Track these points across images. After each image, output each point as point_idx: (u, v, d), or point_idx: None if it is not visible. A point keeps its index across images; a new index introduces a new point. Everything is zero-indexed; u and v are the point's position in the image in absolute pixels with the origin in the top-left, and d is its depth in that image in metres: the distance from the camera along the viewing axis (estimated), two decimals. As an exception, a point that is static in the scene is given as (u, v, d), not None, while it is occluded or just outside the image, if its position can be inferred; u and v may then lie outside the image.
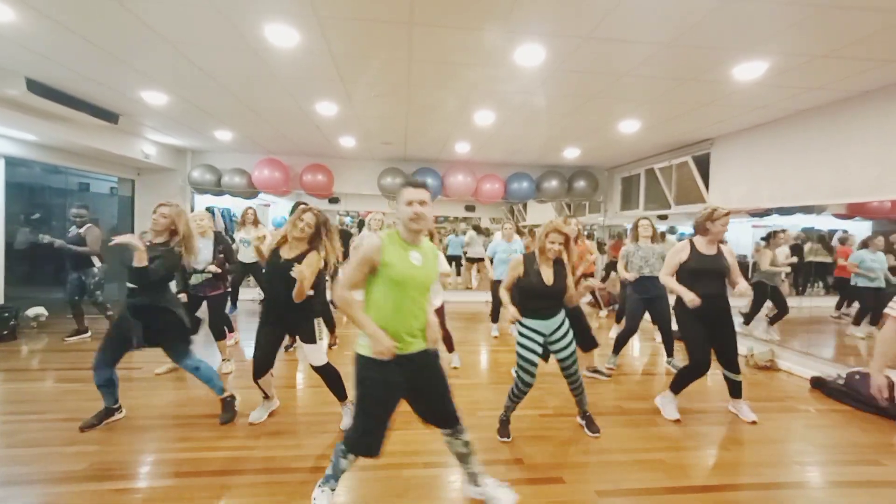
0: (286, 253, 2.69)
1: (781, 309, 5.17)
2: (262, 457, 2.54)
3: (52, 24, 2.88)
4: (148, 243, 2.80)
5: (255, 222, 5.45)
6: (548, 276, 2.68)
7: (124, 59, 3.45)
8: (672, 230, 9.62)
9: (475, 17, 2.69)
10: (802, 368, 4.28)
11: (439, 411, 2.02)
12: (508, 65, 3.37)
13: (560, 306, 2.78)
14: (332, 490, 2.01)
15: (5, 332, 4.72)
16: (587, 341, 3.74)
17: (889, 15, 2.49)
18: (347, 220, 11.88)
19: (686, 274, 3.03)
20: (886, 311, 1.80)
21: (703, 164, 5.70)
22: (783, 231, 5.40)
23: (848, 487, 2.40)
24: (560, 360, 2.77)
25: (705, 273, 2.99)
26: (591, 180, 7.47)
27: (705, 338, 3.04)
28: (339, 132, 5.77)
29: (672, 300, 3.15)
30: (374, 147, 6.69)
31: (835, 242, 5.68)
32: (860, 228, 5.31)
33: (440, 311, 3.99)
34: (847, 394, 3.55)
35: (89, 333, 4.95)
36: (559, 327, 2.75)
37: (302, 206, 2.78)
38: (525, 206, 10.59)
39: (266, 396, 3.00)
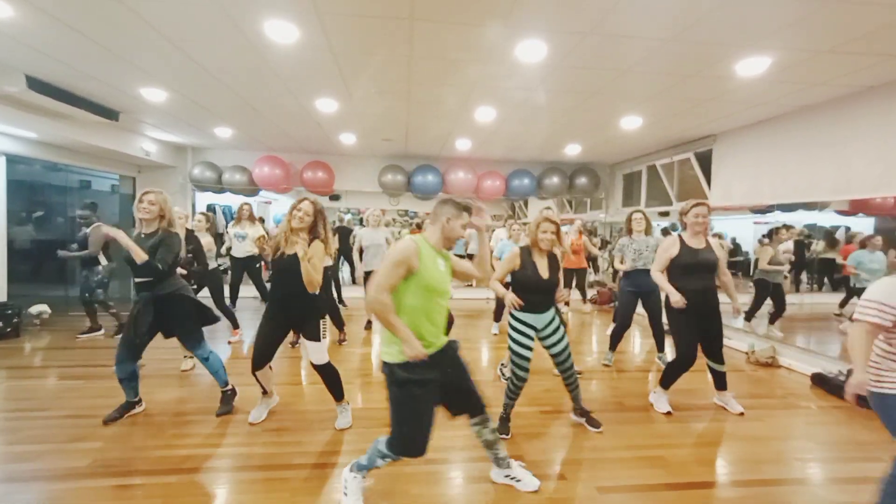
0: (289, 248, 2.66)
1: (779, 307, 5.15)
2: (265, 453, 2.55)
3: (51, 20, 2.87)
4: (142, 235, 2.79)
5: (252, 218, 5.39)
6: (543, 268, 2.68)
7: (124, 55, 3.44)
8: (675, 227, 9.60)
9: (476, 14, 2.68)
10: (804, 365, 4.27)
11: (470, 399, 2.09)
12: (509, 61, 3.35)
13: (552, 300, 2.77)
14: (363, 478, 2.11)
15: (9, 330, 4.74)
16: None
17: (893, 10, 2.47)
18: (347, 216, 11.89)
19: (677, 269, 3.03)
20: (856, 316, 1.75)
21: (706, 161, 5.69)
22: (786, 227, 5.35)
23: (849, 484, 2.41)
24: (554, 356, 2.77)
25: (696, 267, 2.99)
26: (593, 177, 7.45)
27: (694, 333, 3.06)
28: (339, 129, 5.75)
29: (664, 295, 3.15)
30: (375, 144, 6.67)
31: (841, 238, 5.64)
32: (863, 225, 5.29)
33: None
34: (848, 390, 3.55)
35: (102, 331, 4.98)
36: (551, 321, 2.74)
37: (299, 197, 2.80)
38: (526, 202, 10.58)
39: (264, 392, 2.98)
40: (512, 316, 2.74)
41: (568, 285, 6.69)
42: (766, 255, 5.13)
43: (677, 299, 2.93)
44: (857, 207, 4.56)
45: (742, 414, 3.18)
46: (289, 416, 3.02)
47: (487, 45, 3.10)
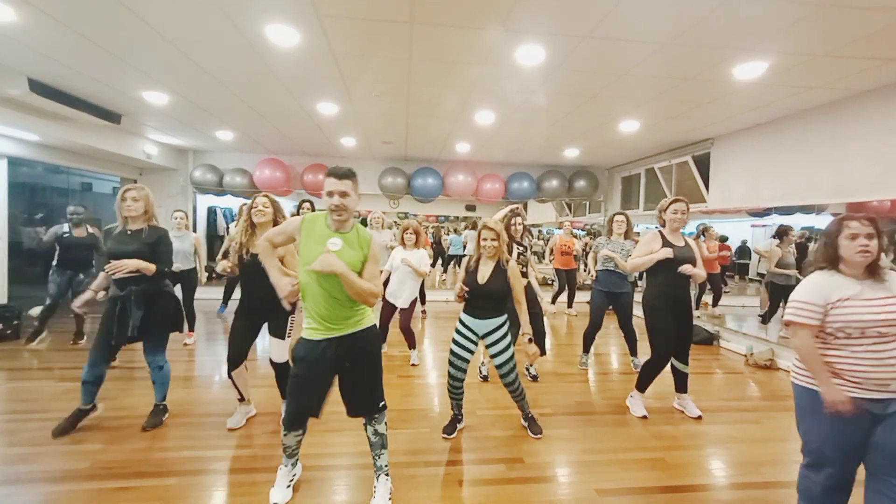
0: (255, 248, 2.61)
1: (772, 309, 5.08)
2: (263, 455, 2.55)
3: (53, 23, 2.89)
4: (127, 232, 2.72)
5: None
6: (482, 274, 2.64)
7: (126, 58, 3.46)
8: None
9: (475, 16, 2.70)
10: (803, 368, 4.27)
11: (362, 398, 2.08)
12: (508, 64, 3.37)
13: (498, 310, 2.70)
14: (285, 466, 2.18)
15: (8, 332, 4.74)
16: (538, 345, 3.72)
17: (890, 14, 2.49)
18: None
19: (659, 264, 3.03)
20: (788, 317, 1.70)
21: (703, 164, 5.71)
22: (790, 228, 5.23)
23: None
24: (496, 366, 2.74)
25: (675, 263, 2.99)
26: (592, 180, 7.48)
27: (671, 329, 3.07)
28: (339, 132, 5.78)
29: (638, 296, 3.17)
30: (375, 147, 6.69)
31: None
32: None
33: (408, 311, 4.05)
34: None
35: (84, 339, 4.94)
36: (495, 330, 2.69)
37: (255, 194, 2.80)
38: (525, 205, 10.59)
39: (241, 399, 2.93)
40: (459, 317, 2.76)
41: (561, 286, 6.68)
42: (774, 258, 5.07)
43: (665, 251, 2.94)
44: (854, 210, 4.57)
45: (699, 418, 3.15)
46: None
47: (487, 48, 3.13)
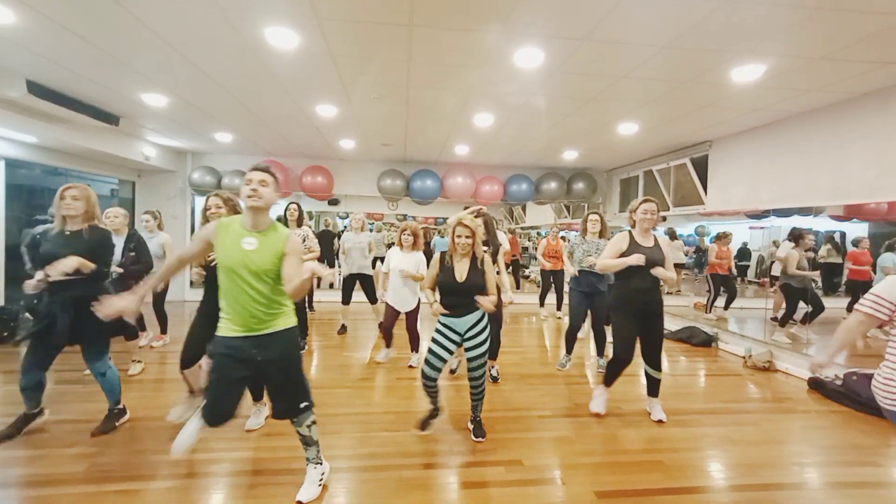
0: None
1: (817, 309, 4.99)
2: (264, 458, 2.54)
3: (51, 25, 2.89)
4: (66, 233, 2.59)
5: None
6: (460, 272, 2.64)
7: (124, 60, 3.46)
8: (671, 232, 9.62)
9: (474, 19, 2.71)
10: (800, 369, 4.28)
11: (282, 399, 2.08)
12: (507, 66, 3.38)
13: (474, 305, 2.67)
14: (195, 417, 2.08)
15: (5, 334, 4.72)
16: (491, 350, 3.73)
17: (887, 17, 2.51)
18: (338, 220, 11.71)
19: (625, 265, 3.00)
20: (857, 306, 1.86)
21: (702, 167, 5.73)
22: (806, 231, 5.13)
23: (846, 489, 2.41)
24: (468, 360, 2.72)
25: (646, 265, 2.95)
26: (590, 182, 7.50)
27: (632, 332, 3.05)
28: (338, 134, 5.78)
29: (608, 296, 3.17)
30: (374, 149, 6.70)
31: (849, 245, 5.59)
32: (857, 230, 5.32)
33: (412, 314, 4.06)
34: (845, 395, 3.56)
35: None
36: (474, 325, 2.69)
37: (208, 194, 2.76)
38: (524, 207, 10.61)
39: (191, 392, 2.88)
40: (440, 318, 2.74)
41: (545, 288, 6.64)
42: (793, 260, 5.01)
43: (637, 257, 2.88)
44: (851, 212, 4.59)
45: (661, 422, 3.12)
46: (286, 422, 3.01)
47: (485, 51, 3.13)
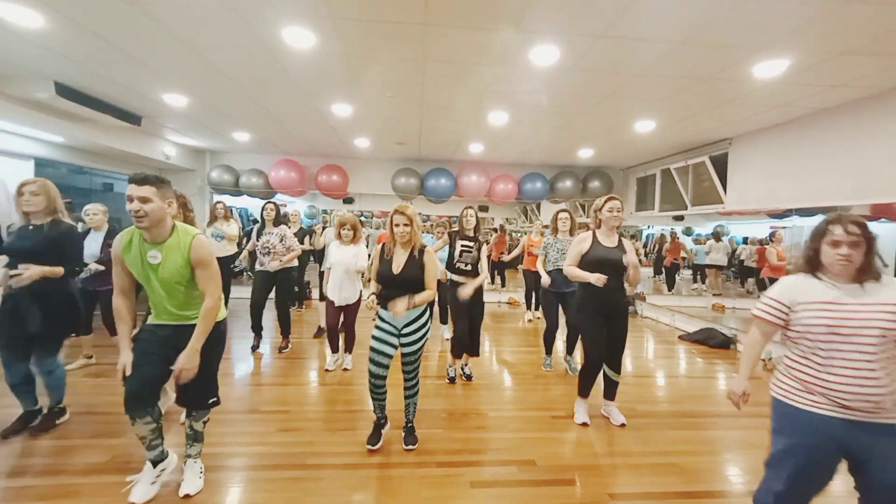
0: None
1: None
2: (278, 453, 2.59)
3: (79, 28, 2.97)
4: (30, 227, 2.58)
5: (227, 216, 5.22)
6: (397, 263, 2.53)
7: (146, 62, 3.55)
8: (688, 231, 9.48)
9: (489, 18, 2.70)
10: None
11: (189, 386, 2.03)
12: (522, 64, 3.36)
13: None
14: (148, 461, 2.16)
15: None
16: (473, 346, 3.72)
17: (916, 10, 2.42)
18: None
19: (586, 265, 2.94)
20: (754, 311, 1.68)
21: (721, 164, 5.60)
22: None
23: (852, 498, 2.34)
24: (403, 354, 2.62)
25: (605, 264, 2.90)
26: (606, 180, 7.41)
27: (602, 334, 2.99)
28: (353, 133, 5.83)
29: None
30: (388, 147, 6.73)
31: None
32: (885, 230, 5.15)
33: (353, 308, 3.90)
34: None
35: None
36: (412, 322, 2.58)
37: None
38: (538, 206, 10.55)
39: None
40: (377, 311, 2.66)
41: (529, 288, 6.40)
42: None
43: (597, 277, 2.81)
44: (879, 212, 4.44)
45: (623, 425, 3.04)
46: (300, 417, 3.07)
47: (500, 49, 3.12)
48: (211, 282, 1.98)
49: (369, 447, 2.60)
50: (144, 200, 1.83)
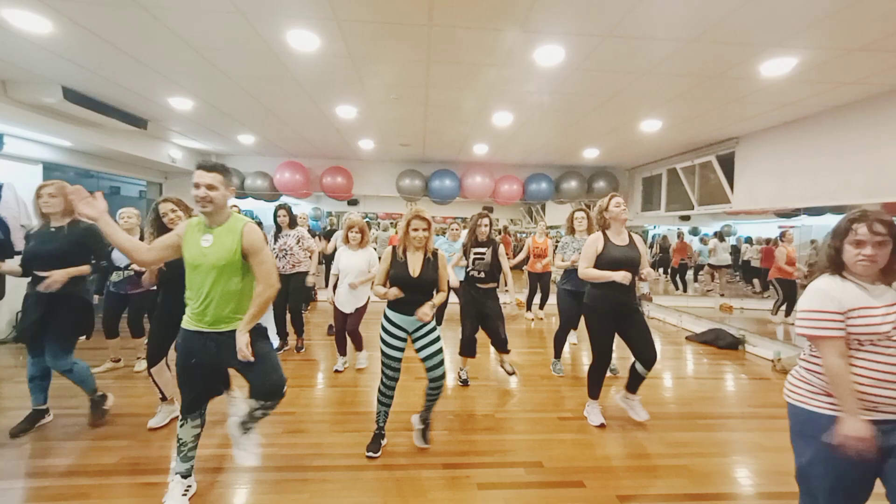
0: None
1: None
2: (285, 454, 2.59)
3: (86, 33, 2.99)
4: (51, 229, 2.65)
5: None
6: (414, 266, 2.53)
7: (153, 66, 3.57)
8: (695, 231, 9.41)
9: (493, 18, 2.69)
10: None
11: (263, 378, 2.04)
12: (527, 65, 3.35)
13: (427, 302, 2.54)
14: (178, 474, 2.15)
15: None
16: (499, 344, 3.68)
17: (929, 5, 2.38)
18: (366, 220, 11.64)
19: (603, 265, 2.89)
20: (817, 334, 1.44)
21: (728, 164, 5.56)
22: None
23: (882, 500, 2.30)
24: (423, 360, 2.58)
25: (621, 263, 2.84)
26: (612, 180, 7.37)
27: (610, 333, 2.95)
28: (358, 135, 5.84)
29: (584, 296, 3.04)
30: (393, 149, 6.74)
31: None
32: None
33: (359, 312, 3.90)
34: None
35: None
36: (424, 325, 2.57)
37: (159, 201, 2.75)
38: (543, 206, 10.52)
39: (163, 398, 2.88)
40: (385, 315, 2.62)
41: (532, 290, 6.35)
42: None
43: (623, 275, 2.76)
44: (892, 211, 4.36)
45: (643, 423, 3.00)
46: (307, 418, 3.07)
47: (505, 49, 3.11)
48: (264, 267, 1.98)
49: (369, 455, 2.57)
50: (211, 187, 1.91)
